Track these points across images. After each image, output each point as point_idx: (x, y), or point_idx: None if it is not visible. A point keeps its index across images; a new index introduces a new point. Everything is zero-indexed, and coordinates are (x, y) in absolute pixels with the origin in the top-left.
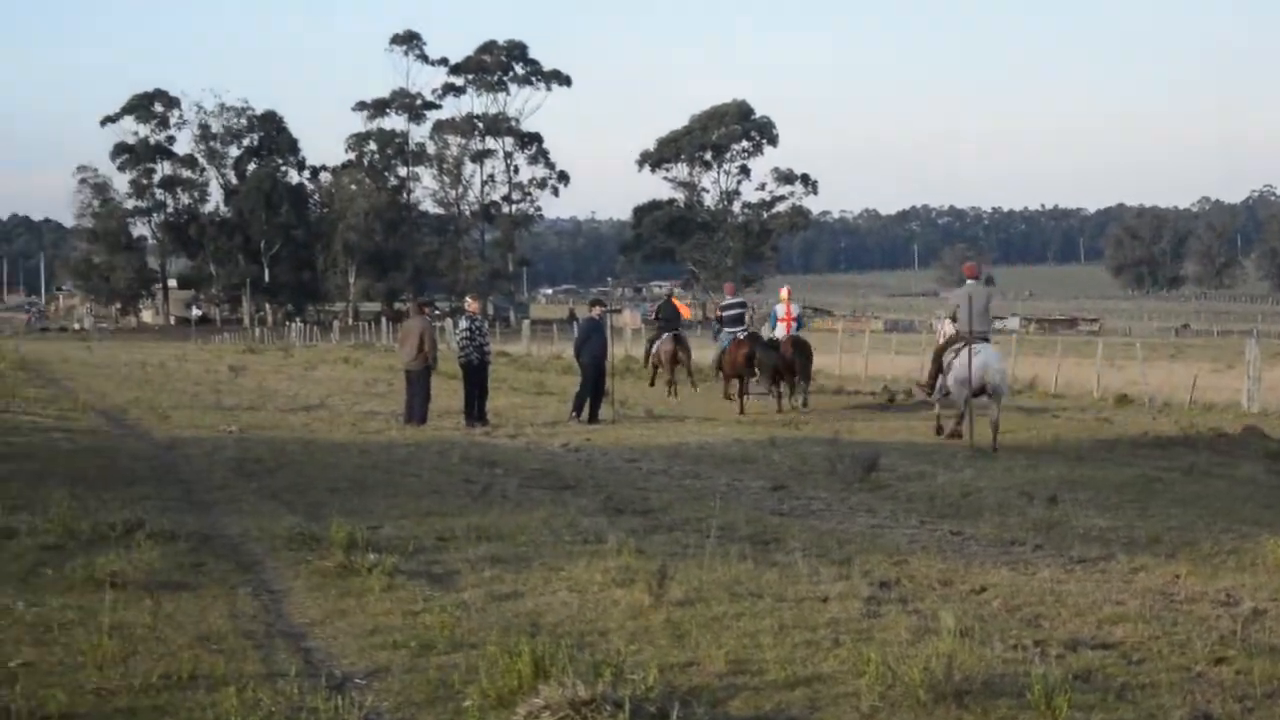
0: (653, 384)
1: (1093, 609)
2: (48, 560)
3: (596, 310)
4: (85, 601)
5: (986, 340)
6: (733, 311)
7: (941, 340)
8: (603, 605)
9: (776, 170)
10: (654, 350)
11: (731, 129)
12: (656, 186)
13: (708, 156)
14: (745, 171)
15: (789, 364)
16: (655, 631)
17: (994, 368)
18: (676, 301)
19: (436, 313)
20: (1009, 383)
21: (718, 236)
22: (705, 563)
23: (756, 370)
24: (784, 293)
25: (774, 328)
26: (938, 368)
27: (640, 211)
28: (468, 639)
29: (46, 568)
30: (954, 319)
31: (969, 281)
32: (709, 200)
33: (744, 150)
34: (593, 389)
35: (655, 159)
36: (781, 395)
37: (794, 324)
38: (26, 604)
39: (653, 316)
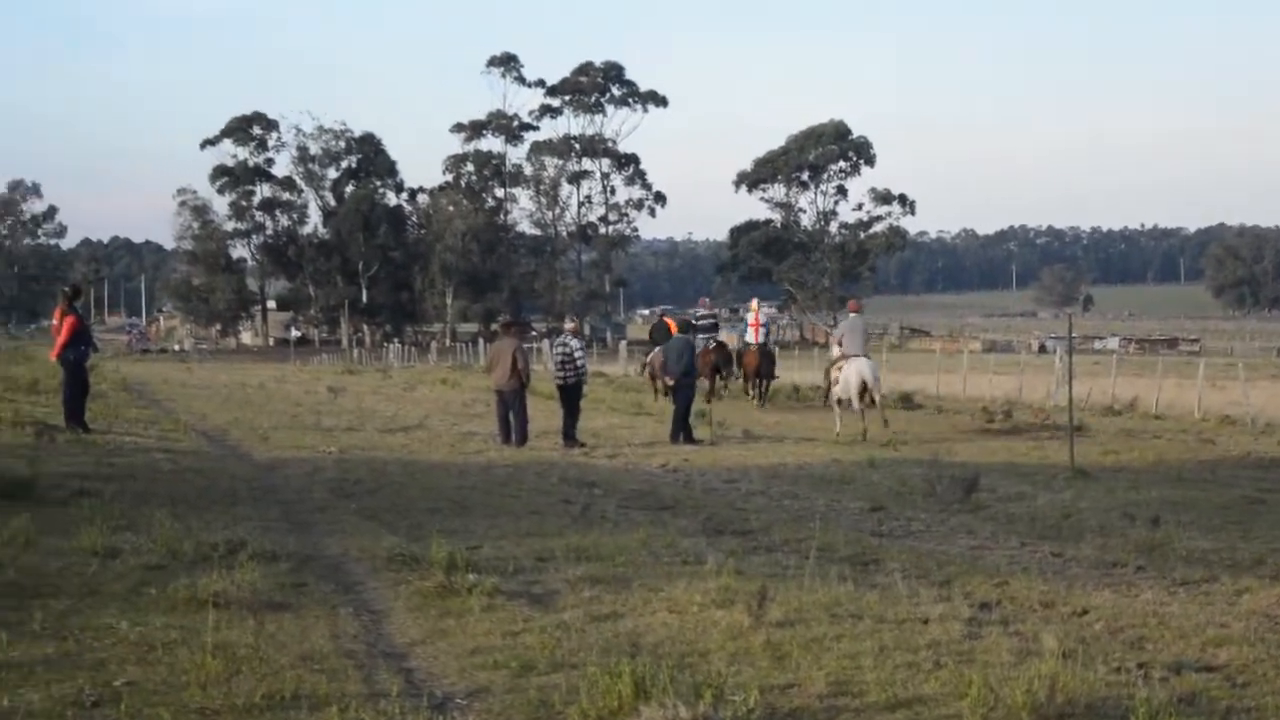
0: (656, 397)
1: (1196, 631)
2: (151, 580)
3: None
4: (188, 621)
5: (865, 356)
6: (706, 321)
7: (834, 355)
8: (703, 626)
9: (873, 190)
10: (649, 362)
11: (828, 149)
12: (753, 207)
13: (805, 177)
14: (842, 192)
15: (756, 368)
16: (755, 653)
17: (868, 372)
18: (668, 320)
19: (533, 334)
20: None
21: (814, 257)
22: (805, 584)
23: (722, 370)
24: (754, 304)
25: (745, 334)
26: (829, 380)
27: (737, 232)
28: (568, 659)
29: (150, 587)
30: (840, 343)
31: (852, 315)
32: (806, 221)
33: (841, 170)
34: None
35: (752, 179)
36: (758, 394)
37: (761, 330)
38: (130, 623)
39: (648, 336)
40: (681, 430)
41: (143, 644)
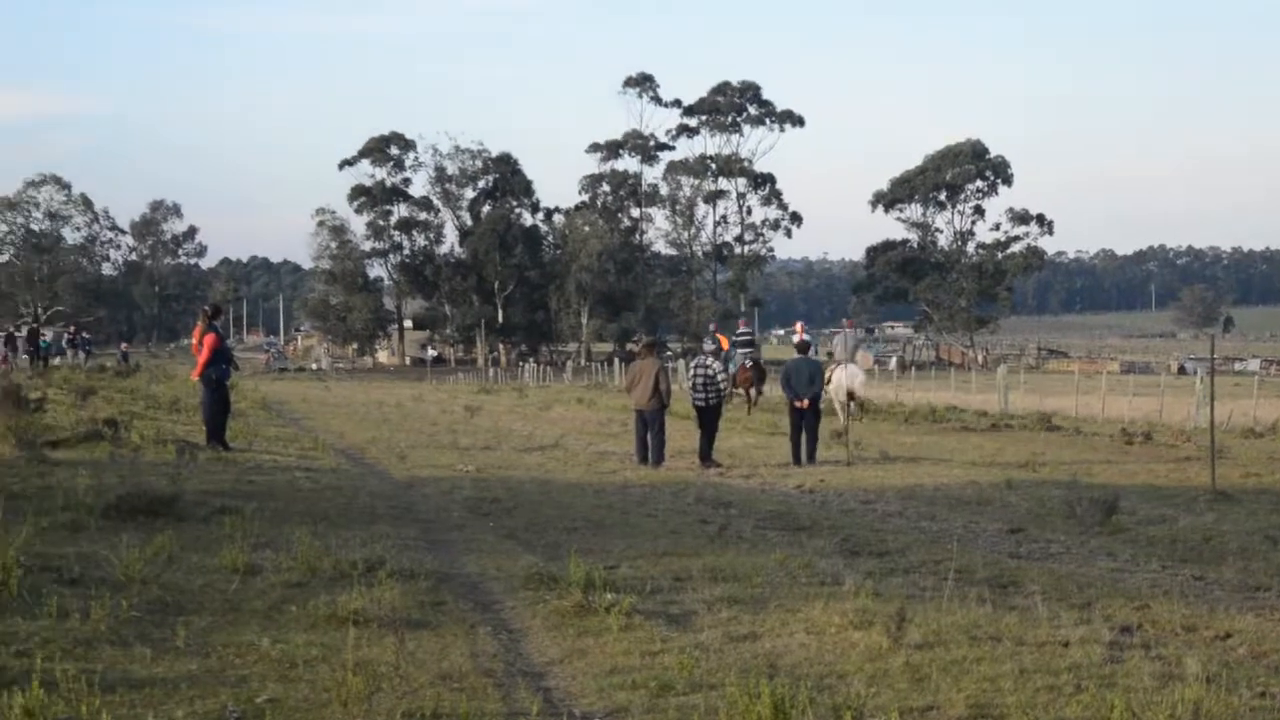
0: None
1: None
2: (292, 597)
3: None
4: (328, 639)
5: (852, 363)
6: (743, 338)
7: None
8: (841, 647)
9: (1011, 210)
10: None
11: (966, 169)
12: (890, 227)
13: (942, 196)
14: (979, 212)
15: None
16: (894, 674)
17: (854, 375)
18: (720, 336)
19: (668, 353)
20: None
21: (951, 277)
22: (943, 606)
23: (758, 385)
24: (798, 325)
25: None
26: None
27: (873, 252)
28: (706, 680)
29: (291, 604)
30: (830, 353)
31: (847, 330)
32: (943, 241)
33: (978, 190)
34: (802, 429)
35: (889, 199)
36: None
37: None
38: (272, 640)
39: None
40: (811, 451)
41: (284, 661)
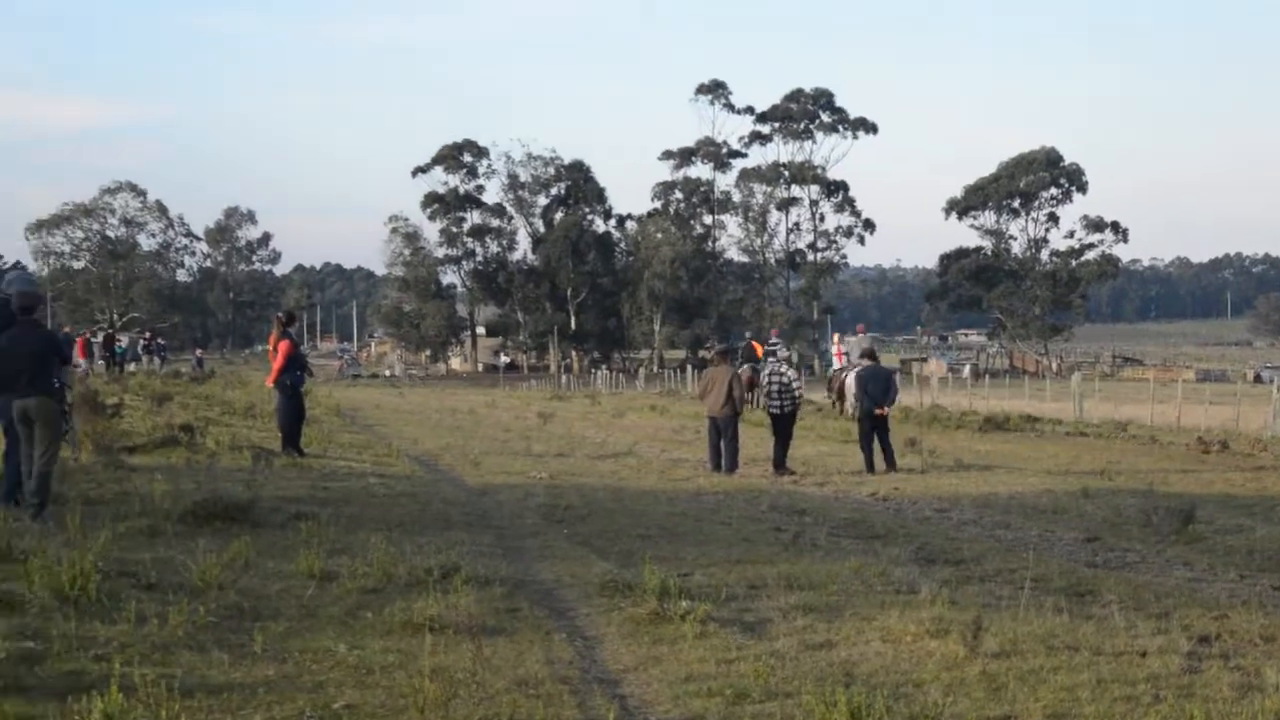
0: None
1: None
2: (368, 603)
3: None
4: (405, 645)
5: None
6: (774, 347)
7: (837, 366)
8: (917, 656)
9: (1085, 218)
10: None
11: (1039, 176)
12: (963, 234)
13: (1015, 204)
14: (1053, 219)
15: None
16: (971, 684)
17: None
18: (755, 344)
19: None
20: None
21: (1025, 285)
22: (1020, 615)
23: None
24: (835, 338)
25: (831, 362)
26: (837, 385)
27: (947, 259)
28: (782, 688)
29: (367, 611)
30: (846, 355)
31: (859, 334)
32: (1016, 248)
33: (1052, 198)
34: (874, 437)
35: (962, 206)
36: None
37: (844, 358)
38: (348, 646)
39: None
40: (890, 458)
41: (361, 667)
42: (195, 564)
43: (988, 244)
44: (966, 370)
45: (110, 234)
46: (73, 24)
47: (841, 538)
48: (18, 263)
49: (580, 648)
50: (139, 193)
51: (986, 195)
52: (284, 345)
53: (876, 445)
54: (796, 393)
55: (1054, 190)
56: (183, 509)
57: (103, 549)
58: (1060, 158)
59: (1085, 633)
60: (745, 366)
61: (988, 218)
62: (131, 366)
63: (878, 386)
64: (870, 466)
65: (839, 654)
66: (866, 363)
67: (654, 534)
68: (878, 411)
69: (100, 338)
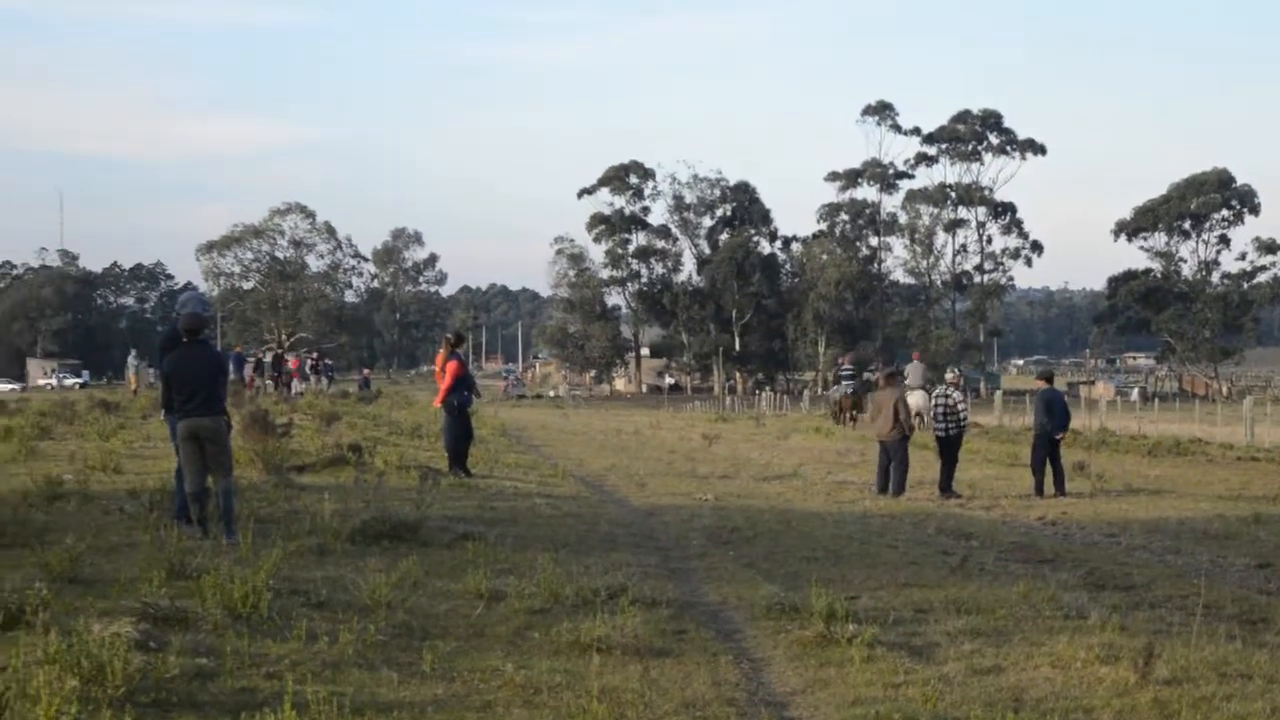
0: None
1: None
2: (535, 623)
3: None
4: (572, 665)
5: (922, 389)
6: (847, 372)
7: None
8: (1086, 682)
9: (1257, 239)
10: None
11: (1210, 197)
12: (1132, 256)
13: (1186, 225)
14: (1224, 241)
15: (852, 403)
16: (1142, 710)
17: (920, 400)
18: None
19: (905, 382)
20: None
21: (1195, 307)
22: (1191, 641)
23: (857, 410)
24: (916, 356)
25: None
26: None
27: (1115, 281)
28: (950, 713)
29: (534, 631)
30: (905, 376)
31: (915, 361)
32: (1186, 270)
33: (1223, 219)
34: (1046, 461)
35: (1132, 228)
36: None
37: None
38: (516, 666)
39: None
40: (1060, 481)
41: (528, 687)
42: (364, 583)
43: (1157, 266)
44: (1135, 393)
45: (279, 255)
46: (245, 49)
47: (1009, 562)
48: (189, 283)
49: (747, 670)
50: (308, 214)
51: (1156, 217)
52: (452, 366)
53: (1048, 468)
54: (962, 416)
55: (1225, 212)
56: (351, 528)
57: (274, 567)
58: (1232, 179)
59: (1259, 660)
60: (847, 385)
61: (1158, 239)
62: (301, 387)
63: (1055, 410)
64: (1040, 490)
65: (1008, 679)
66: (914, 386)
67: (820, 556)
68: (1058, 436)
69: (269, 357)
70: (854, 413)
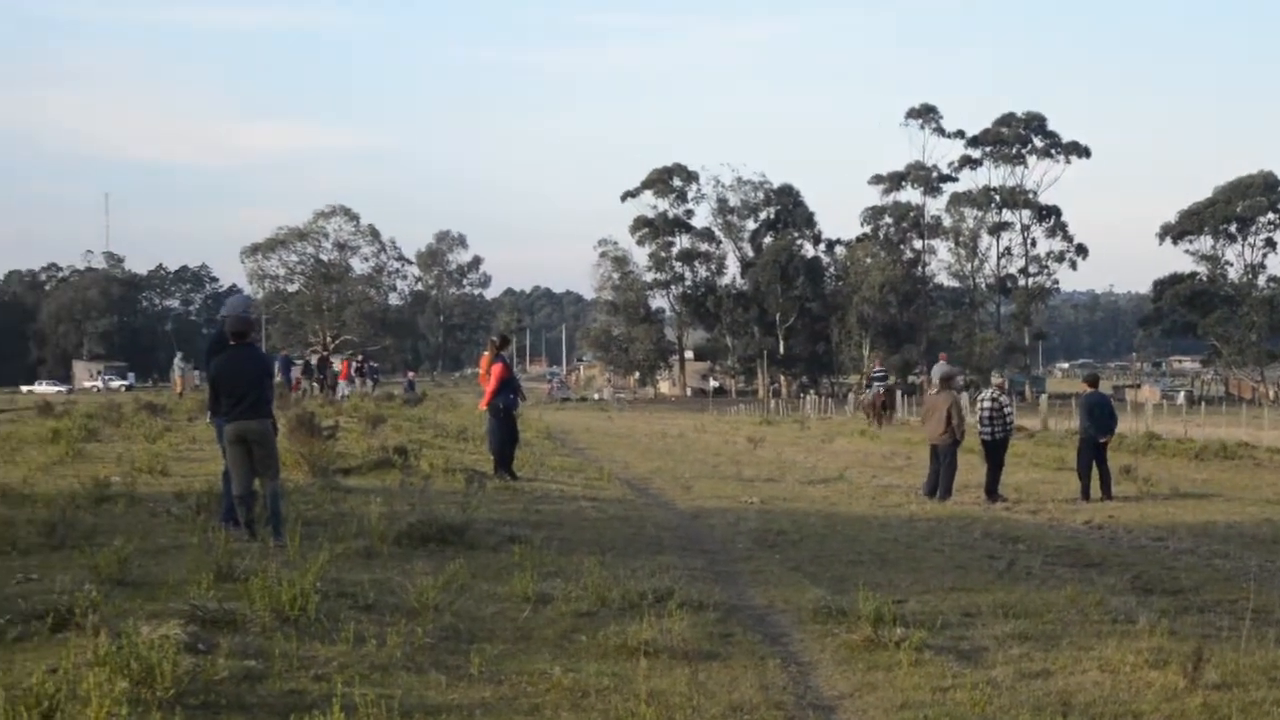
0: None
1: None
2: (581, 626)
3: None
4: (620, 668)
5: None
6: (879, 374)
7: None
8: (1135, 687)
9: None
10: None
11: (1256, 201)
12: (1177, 259)
13: (1232, 229)
14: (1271, 244)
15: (883, 403)
16: (1191, 715)
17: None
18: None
19: (960, 383)
20: None
21: (1241, 311)
22: (1241, 646)
23: (887, 409)
24: (943, 357)
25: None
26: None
27: (1161, 285)
28: (999, 717)
29: (581, 634)
30: (931, 379)
31: (941, 361)
32: (1232, 274)
33: (1270, 223)
34: (1092, 464)
35: (1177, 231)
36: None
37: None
38: (563, 669)
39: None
40: (1107, 486)
41: (576, 690)
42: (412, 585)
43: (1203, 269)
44: (1181, 397)
45: (324, 257)
46: (291, 53)
47: (1056, 566)
48: (234, 286)
49: (794, 674)
50: (352, 216)
51: (1202, 220)
52: (497, 369)
53: (1094, 472)
54: (1009, 419)
55: (1271, 215)
56: (398, 531)
57: (321, 569)
58: (1277, 181)
59: None
60: (879, 386)
61: (1203, 243)
62: (347, 389)
63: (1101, 413)
64: (1086, 494)
65: (1056, 683)
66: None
67: (866, 560)
68: (1103, 440)
69: (314, 360)
70: (887, 412)
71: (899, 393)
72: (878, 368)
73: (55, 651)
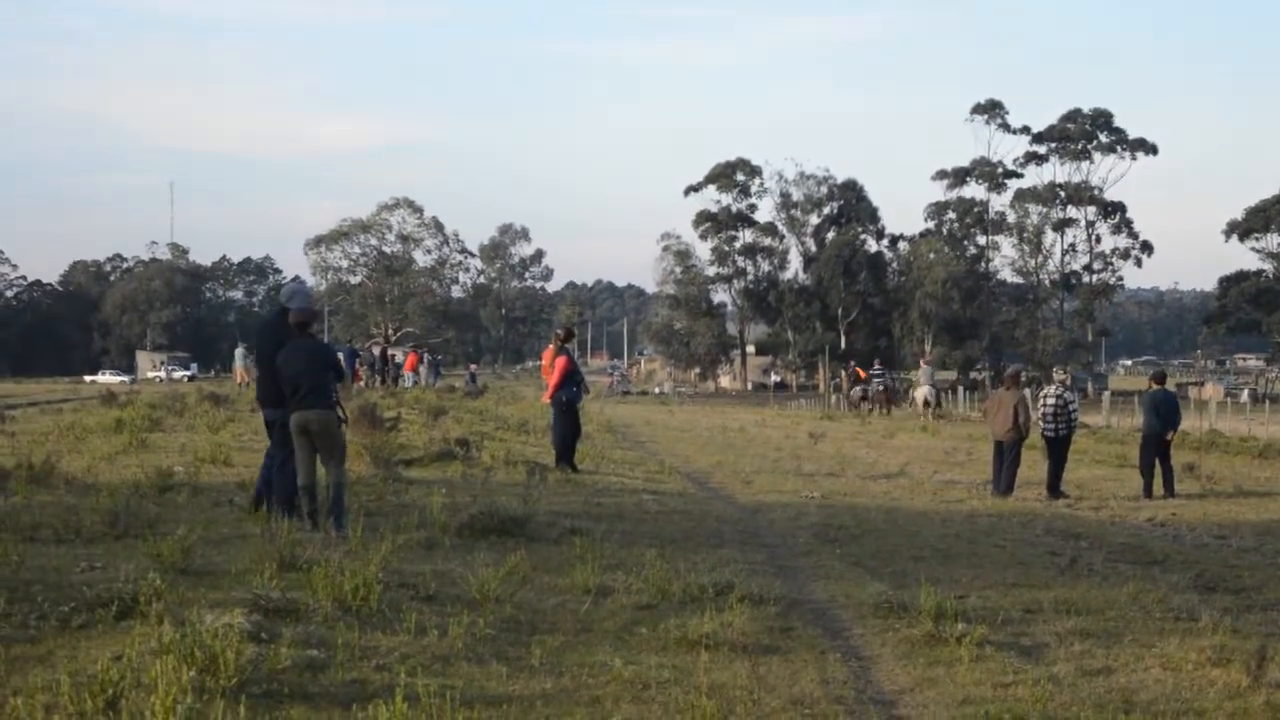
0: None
1: None
2: (642, 619)
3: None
4: (680, 661)
5: (930, 385)
6: (878, 371)
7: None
8: (1198, 685)
9: None
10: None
11: None
12: (1243, 257)
13: None
14: None
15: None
16: (1254, 713)
17: (929, 392)
18: (859, 369)
19: (1024, 380)
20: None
21: None
22: None
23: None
24: (930, 353)
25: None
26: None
27: (1226, 282)
28: (1060, 713)
29: (641, 626)
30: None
31: (923, 365)
32: None
33: None
34: (1155, 462)
35: (1243, 229)
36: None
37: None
38: (624, 661)
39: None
40: (1170, 484)
41: (636, 682)
42: (473, 577)
43: (1269, 267)
44: (1245, 395)
45: (387, 250)
46: (355, 47)
47: (1118, 563)
48: (296, 276)
49: (855, 668)
50: (416, 209)
51: (1269, 218)
52: (561, 361)
53: (1157, 470)
54: (1073, 416)
55: None
56: (459, 522)
57: (383, 560)
58: None
59: None
60: (879, 384)
61: (1269, 240)
62: (409, 383)
63: (1167, 410)
64: (1148, 491)
65: (1118, 680)
66: (923, 383)
67: (927, 555)
68: (1168, 437)
69: (377, 351)
70: (887, 407)
71: (960, 389)
72: (876, 368)
73: (120, 639)
